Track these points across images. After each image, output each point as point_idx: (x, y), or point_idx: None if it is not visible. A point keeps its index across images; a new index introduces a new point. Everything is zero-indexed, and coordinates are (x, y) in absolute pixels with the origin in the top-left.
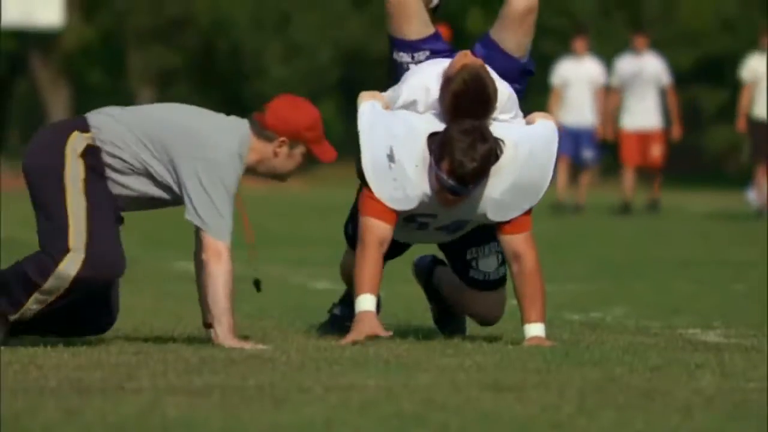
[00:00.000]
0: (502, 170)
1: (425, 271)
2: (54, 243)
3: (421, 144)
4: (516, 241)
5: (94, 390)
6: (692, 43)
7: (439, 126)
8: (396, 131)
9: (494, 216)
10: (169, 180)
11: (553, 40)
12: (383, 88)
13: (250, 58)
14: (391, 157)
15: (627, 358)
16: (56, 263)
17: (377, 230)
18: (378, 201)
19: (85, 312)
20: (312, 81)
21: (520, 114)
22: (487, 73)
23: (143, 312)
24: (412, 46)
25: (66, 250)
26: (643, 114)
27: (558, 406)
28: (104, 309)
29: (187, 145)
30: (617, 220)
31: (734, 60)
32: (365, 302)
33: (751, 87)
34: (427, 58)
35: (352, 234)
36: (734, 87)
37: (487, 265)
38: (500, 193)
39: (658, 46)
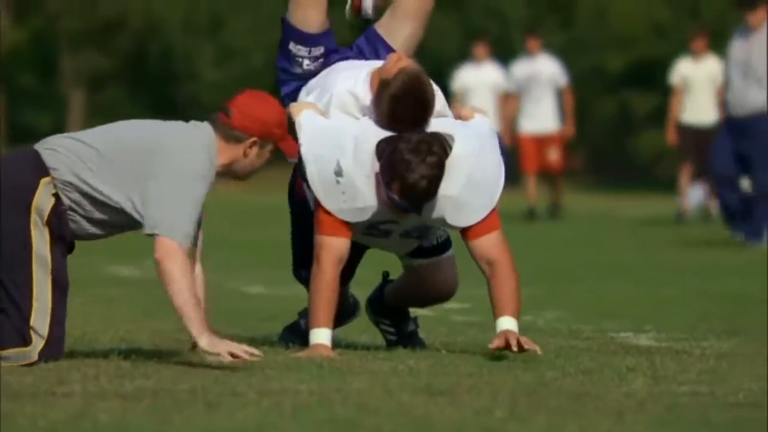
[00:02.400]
0: (454, 166)
1: (377, 298)
2: (15, 315)
3: (369, 154)
4: (486, 246)
5: (25, 395)
6: (623, 47)
7: (380, 132)
8: (342, 142)
9: (453, 219)
10: (130, 207)
11: (486, 44)
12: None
13: (183, 62)
14: (338, 172)
15: (559, 361)
16: (26, 342)
17: (334, 248)
18: (331, 216)
19: None
20: (245, 84)
21: (450, 112)
22: (426, 76)
23: (74, 316)
24: (311, 40)
25: (28, 329)
26: (540, 117)
27: (490, 410)
28: None
29: (151, 167)
30: (550, 224)
31: (665, 64)
32: (320, 337)
33: (679, 92)
34: (322, 55)
35: (307, 278)
36: (665, 91)
37: (431, 236)
38: (456, 190)
39: (591, 49)
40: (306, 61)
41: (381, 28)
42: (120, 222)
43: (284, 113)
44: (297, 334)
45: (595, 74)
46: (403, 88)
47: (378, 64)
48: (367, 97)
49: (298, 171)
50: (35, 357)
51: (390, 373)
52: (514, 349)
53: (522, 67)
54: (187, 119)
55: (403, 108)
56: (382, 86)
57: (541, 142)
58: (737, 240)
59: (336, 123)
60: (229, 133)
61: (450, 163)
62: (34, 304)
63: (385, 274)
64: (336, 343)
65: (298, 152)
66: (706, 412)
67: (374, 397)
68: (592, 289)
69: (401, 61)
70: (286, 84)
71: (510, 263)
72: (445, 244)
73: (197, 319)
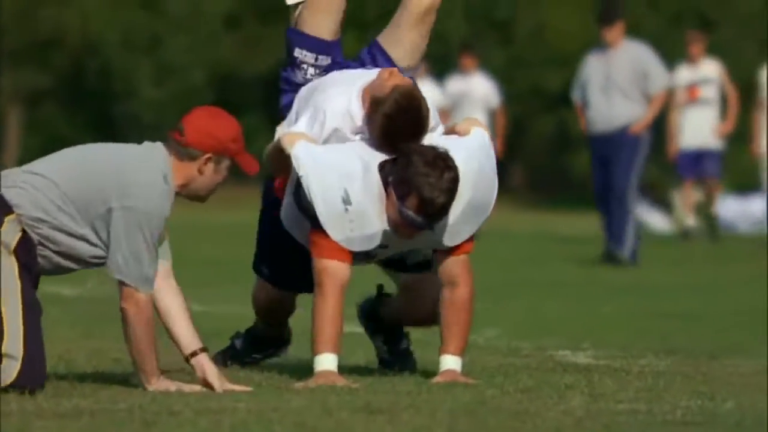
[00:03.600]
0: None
1: (369, 309)
2: None
3: (375, 178)
4: (455, 265)
5: None
6: (562, 65)
7: (380, 153)
8: (348, 169)
9: (448, 240)
10: (95, 239)
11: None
12: (258, 108)
13: (121, 79)
14: (346, 200)
15: (498, 379)
16: None
17: (337, 273)
18: (331, 240)
19: None
20: (184, 102)
21: (441, 126)
22: (420, 92)
23: None
24: (320, 46)
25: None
26: None
27: (429, 429)
28: None
29: (108, 197)
30: (487, 242)
31: None
32: (326, 363)
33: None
34: (328, 67)
35: (270, 274)
36: None
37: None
38: (456, 215)
39: (530, 66)
40: (310, 69)
41: (384, 39)
42: (90, 255)
43: (239, 128)
44: (233, 358)
45: (534, 92)
46: (396, 107)
47: (370, 76)
48: (361, 115)
49: (295, 200)
50: (8, 381)
51: (329, 391)
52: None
53: (455, 84)
54: (125, 137)
55: (397, 126)
56: (375, 105)
57: None
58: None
59: (335, 150)
60: (182, 151)
61: None
62: (5, 329)
63: (380, 287)
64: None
65: (296, 182)
66: (645, 430)
67: (312, 416)
68: (531, 306)
69: (393, 77)
70: (286, 94)
71: (471, 289)
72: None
73: (150, 371)
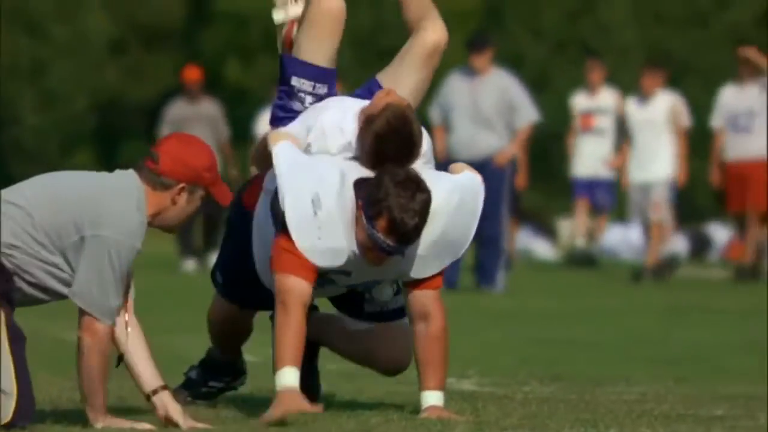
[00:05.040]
0: (431, 220)
1: None
2: None
3: (350, 194)
4: (426, 299)
5: None
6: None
7: (362, 171)
8: (325, 176)
9: (416, 273)
10: (67, 268)
11: None
12: (140, 135)
13: (5, 106)
14: (316, 204)
15: (384, 407)
16: None
17: (298, 290)
18: (297, 255)
19: None
20: (67, 129)
21: (432, 155)
22: (413, 113)
23: None
24: (318, 74)
25: None
26: None
27: None
28: None
29: (80, 226)
30: None
31: None
32: (288, 377)
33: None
34: (325, 95)
35: (223, 283)
36: None
37: (382, 294)
38: (426, 246)
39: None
40: (309, 98)
41: (384, 78)
42: (61, 285)
43: (214, 157)
44: (190, 389)
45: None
46: (387, 126)
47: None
48: (352, 132)
49: (272, 205)
50: (5, 420)
51: (214, 419)
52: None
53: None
54: (7, 164)
55: (387, 146)
56: (366, 122)
57: None
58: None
59: (317, 157)
60: (156, 180)
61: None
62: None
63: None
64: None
65: (270, 185)
66: None
67: None
68: None
69: (388, 96)
70: (281, 122)
71: (444, 322)
72: (400, 312)
73: (99, 405)
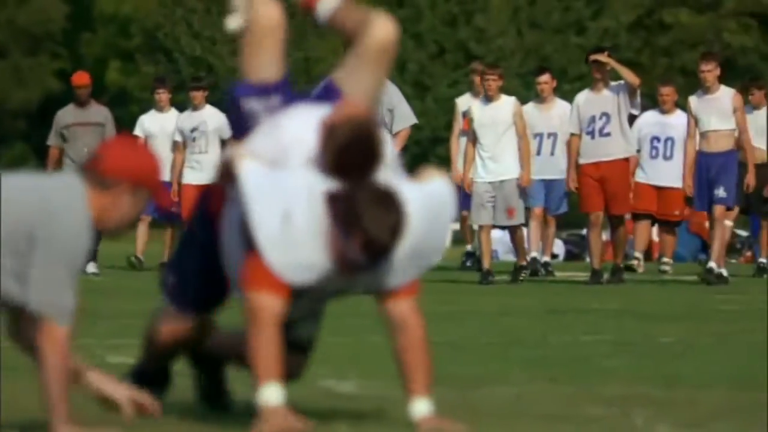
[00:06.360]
0: (406, 231)
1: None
2: None
3: (320, 208)
4: (402, 308)
5: None
6: None
7: (329, 183)
8: (293, 190)
9: (392, 281)
10: (15, 271)
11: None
12: (22, 138)
13: None
14: (287, 222)
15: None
16: None
17: (271, 307)
18: (268, 272)
19: None
20: None
21: (397, 163)
22: (375, 124)
23: None
24: (266, 91)
25: None
26: (203, 170)
27: None
28: None
29: (31, 227)
30: None
31: None
32: (272, 393)
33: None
34: (279, 105)
35: (173, 284)
36: None
37: (307, 328)
38: (403, 254)
39: None
40: (262, 115)
41: (340, 77)
42: (7, 289)
43: (157, 159)
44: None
45: None
46: (349, 137)
47: (332, 108)
48: (315, 144)
49: (233, 219)
50: None
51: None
52: None
53: (185, 119)
54: None
55: (348, 158)
56: (328, 134)
57: (198, 190)
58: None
59: (284, 172)
60: (98, 182)
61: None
62: None
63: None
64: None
65: (238, 201)
66: None
67: None
68: None
69: (349, 107)
70: (240, 135)
71: (422, 329)
72: (311, 345)
73: (63, 414)
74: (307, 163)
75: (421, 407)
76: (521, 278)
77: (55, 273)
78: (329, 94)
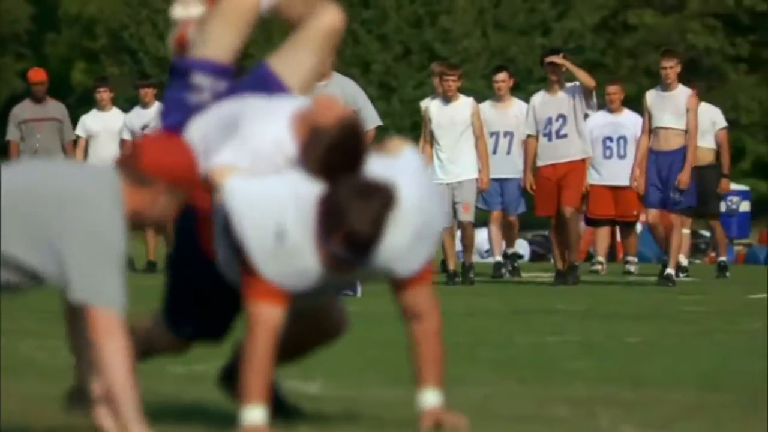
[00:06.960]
0: (403, 213)
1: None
2: None
3: (311, 211)
4: (419, 299)
5: None
6: None
7: (316, 184)
8: (282, 201)
9: (400, 267)
10: (45, 271)
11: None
12: None
13: None
14: (280, 234)
15: (223, 410)
16: None
17: (269, 318)
18: (266, 281)
19: None
20: None
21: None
22: (361, 121)
23: None
24: (219, 71)
25: None
26: None
27: None
28: None
29: (62, 222)
30: None
31: None
32: (255, 415)
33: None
34: (222, 91)
35: (171, 319)
36: None
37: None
38: (406, 240)
39: None
40: (206, 93)
41: (276, 63)
42: (20, 283)
43: (196, 158)
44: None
45: None
46: (342, 138)
47: (297, 103)
48: (293, 146)
49: (225, 237)
50: None
51: None
52: (447, 429)
53: (135, 116)
54: None
55: (339, 157)
56: (315, 135)
57: None
58: None
59: (270, 182)
60: (136, 179)
61: (399, 210)
62: None
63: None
64: None
65: (226, 218)
66: None
67: None
68: None
69: (334, 107)
70: (172, 114)
71: (438, 319)
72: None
73: (135, 417)
74: (288, 165)
75: (430, 398)
76: (471, 278)
77: (93, 260)
78: (265, 81)
